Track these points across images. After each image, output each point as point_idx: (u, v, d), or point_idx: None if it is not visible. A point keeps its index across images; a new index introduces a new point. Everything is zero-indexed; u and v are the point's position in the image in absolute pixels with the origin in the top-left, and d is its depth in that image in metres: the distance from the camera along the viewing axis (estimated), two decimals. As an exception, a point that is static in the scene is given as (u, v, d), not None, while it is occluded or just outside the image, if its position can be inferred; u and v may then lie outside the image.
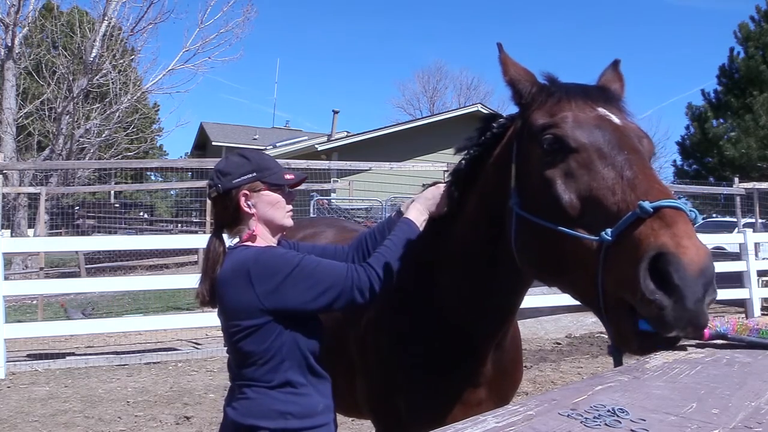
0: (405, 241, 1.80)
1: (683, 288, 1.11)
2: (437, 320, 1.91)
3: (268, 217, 1.79)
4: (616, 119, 1.45)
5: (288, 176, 1.83)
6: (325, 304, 1.68)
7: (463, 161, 1.88)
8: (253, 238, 1.78)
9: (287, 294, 1.66)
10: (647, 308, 1.14)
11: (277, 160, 1.90)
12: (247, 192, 1.76)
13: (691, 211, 1.23)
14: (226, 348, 1.85)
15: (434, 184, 2.01)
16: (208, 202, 9.93)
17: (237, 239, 1.81)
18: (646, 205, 1.19)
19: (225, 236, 1.84)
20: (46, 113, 20.42)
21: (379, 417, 2.08)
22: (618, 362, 1.41)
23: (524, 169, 1.53)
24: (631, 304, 1.19)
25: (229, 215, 1.79)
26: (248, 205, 1.76)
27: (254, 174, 1.77)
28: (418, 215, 1.88)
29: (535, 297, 7.59)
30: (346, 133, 21.63)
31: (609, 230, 1.24)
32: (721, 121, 21.79)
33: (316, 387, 1.76)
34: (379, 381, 2.01)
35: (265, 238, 1.80)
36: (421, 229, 1.87)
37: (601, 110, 1.46)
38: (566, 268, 1.39)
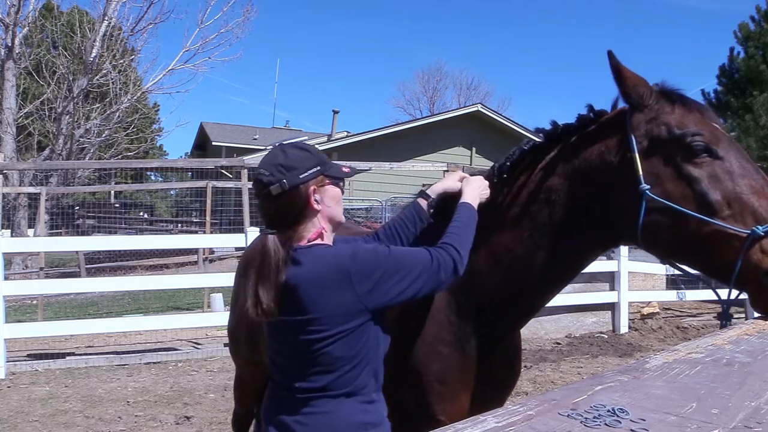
0: (471, 223, 1.82)
1: None
2: (458, 312, 1.95)
3: (332, 214, 1.69)
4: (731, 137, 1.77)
5: (344, 169, 1.75)
6: (415, 292, 1.63)
7: (525, 146, 1.99)
8: (321, 236, 1.66)
9: (383, 289, 1.59)
10: None
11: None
12: (315, 187, 1.65)
13: None
14: (271, 358, 1.70)
15: (474, 174, 2.06)
16: (208, 202, 9.77)
17: (295, 239, 1.66)
18: None
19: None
20: (46, 113, 20.41)
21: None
22: (724, 325, 1.75)
23: (658, 164, 1.74)
24: None
25: (294, 213, 1.64)
26: (316, 200, 1.65)
27: (319, 168, 1.66)
28: (474, 200, 1.90)
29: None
30: (346, 133, 21.63)
31: (760, 227, 1.59)
32: (721, 121, 21.76)
33: (379, 391, 1.70)
34: (389, 373, 2.02)
35: (328, 236, 1.69)
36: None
37: (720, 127, 1.77)
38: (701, 250, 1.69)
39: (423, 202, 2.02)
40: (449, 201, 1.99)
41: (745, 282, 1.63)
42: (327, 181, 1.68)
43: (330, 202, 1.68)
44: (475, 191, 1.94)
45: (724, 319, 1.78)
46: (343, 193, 1.76)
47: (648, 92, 1.79)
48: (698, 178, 1.68)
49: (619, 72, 1.82)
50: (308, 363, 1.60)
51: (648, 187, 1.71)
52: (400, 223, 1.99)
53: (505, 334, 2.03)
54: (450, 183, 2.04)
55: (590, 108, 1.94)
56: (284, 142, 1.80)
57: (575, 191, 1.85)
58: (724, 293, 1.75)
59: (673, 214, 1.68)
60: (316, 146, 1.86)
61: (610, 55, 1.81)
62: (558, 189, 1.88)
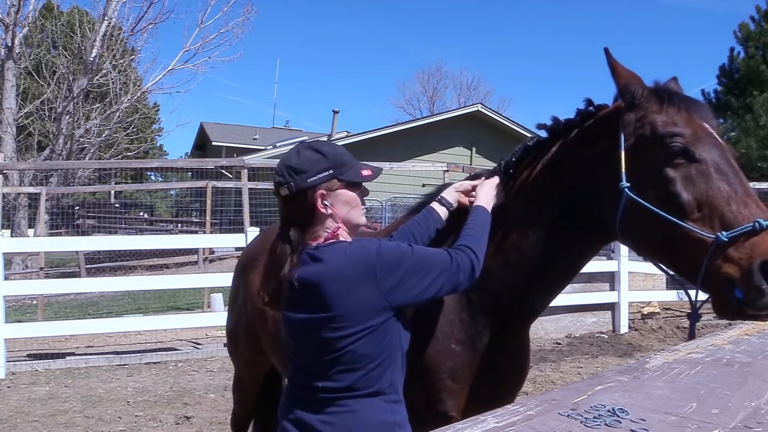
0: (486, 225, 1.84)
1: None
2: (469, 308, 1.96)
3: (347, 218, 1.67)
4: (719, 138, 1.74)
5: (365, 172, 1.70)
6: (435, 291, 1.64)
7: (530, 142, 2.02)
8: (337, 237, 1.65)
9: (407, 286, 1.59)
10: (757, 294, 1.51)
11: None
12: (324, 191, 1.62)
13: None
14: (290, 359, 1.70)
15: (477, 177, 2.09)
16: (208, 202, 9.74)
17: (311, 239, 1.66)
18: (763, 222, 1.56)
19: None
20: (46, 113, 20.40)
21: None
22: (693, 329, 1.79)
23: (640, 161, 1.74)
24: (732, 281, 1.56)
25: (302, 216, 1.64)
26: (324, 205, 1.63)
27: (331, 172, 1.63)
28: (488, 203, 1.92)
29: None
30: (346, 133, 21.63)
31: (725, 232, 1.57)
32: (721, 121, 21.77)
33: (401, 391, 1.68)
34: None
35: (345, 237, 1.68)
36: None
37: (710, 127, 1.75)
38: (669, 249, 1.71)
39: (437, 206, 2.02)
40: (463, 206, 2.02)
41: (708, 285, 1.64)
42: (340, 185, 1.65)
43: (342, 207, 1.65)
44: (489, 195, 1.96)
45: (693, 319, 1.79)
46: (367, 193, 1.74)
47: (640, 90, 1.80)
48: (673, 179, 1.68)
49: (614, 69, 1.84)
50: (332, 362, 1.58)
51: (628, 185, 1.72)
52: (415, 225, 1.99)
53: (515, 332, 2.06)
54: (464, 186, 2.06)
55: (589, 102, 1.96)
56: (305, 141, 1.78)
57: (572, 187, 1.87)
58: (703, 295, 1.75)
59: (646, 213, 1.68)
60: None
61: (607, 52, 1.84)
62: (557, 184, 1.90)
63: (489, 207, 1.92)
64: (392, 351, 1.62)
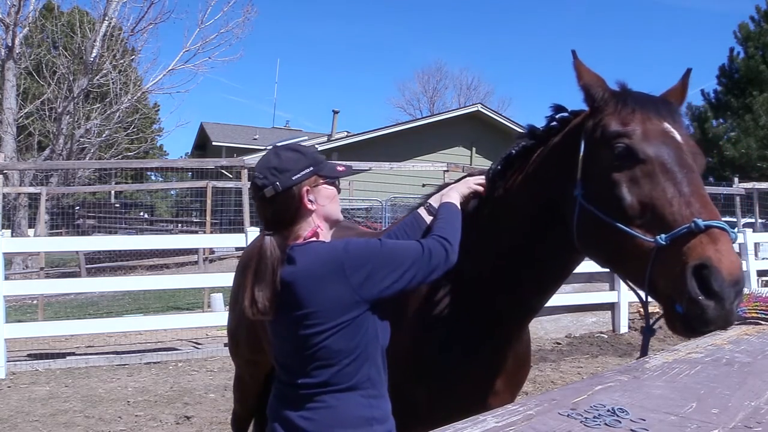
0: (453, 216, 1.86)
1: (721, 294, 1.38)
2: (466, 309, 1.96)
3: (328, 212, 1.73)
4: (678, 136, 1.65)
5: (339, 168, 1.78)
6: (407, 282, 1.66)
7: (514, 150, 1.99)
8: (316, 234, 1.70)
9: (377, 279, 1.62)
10: (692, 307, 1.41)
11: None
12: (309, 188, 1.69)
13: (732, 232, 1.48)
14: (275, 357, 1.75)
15: (464, 177, 2.11)
16: (208, 202, 9.72)
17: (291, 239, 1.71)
18: (700, 222, 1.44)
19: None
20: (47, 113, 20.41)
21: (396, 410, 2.11)
22: (645, 344, 1.71)
23: (591, 166, 1.70)
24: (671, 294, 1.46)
25: (289, 214, 1.68)
26: (310, 201, 1.69)
27: (312, 168, 1.70)
28: (456, 198, 1.95)
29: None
30: (346, 133, 21.65)
31: (664, 235, 1.48)
32: (721, 121, 21.79)
33: (383, 387, 1.71)
34: (401, 370, 2.03)
35: (324, 234, 1.73)
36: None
37: (667, 125, 1.66)
38: (619, 258, 1.64)
39: (424, 213, 2.06)
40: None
41: (655, 297, 1.56)
42: (321, 181, 1.72)
43: (324, 201, 1.72)
44: (460, 188, 2.00)
45: (647, 332, 1.70)
46: (339, 191, 1.80)
47: (601, 93, 1.76)
48: (617, 181, 1.61)
49: (578, 72, 1.80)
50: (308, 358, 1.63)
51: (581, 192, 1.68)
52: (400, 230, 2.03)
53: (513, 332, 2.06)
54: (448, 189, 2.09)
55: (560, 108, 1.93)
56: (279, 144, 1.84)
57: (546, 194, 1.85)
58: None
59: (597, 220, 1.63)
60: (316, 146, 1.87)
61: (573, 54, 1.81)
62: (541, 191, 1.88)
63: (457, 200, 1.96)
64: (368, 346, 1.65)
